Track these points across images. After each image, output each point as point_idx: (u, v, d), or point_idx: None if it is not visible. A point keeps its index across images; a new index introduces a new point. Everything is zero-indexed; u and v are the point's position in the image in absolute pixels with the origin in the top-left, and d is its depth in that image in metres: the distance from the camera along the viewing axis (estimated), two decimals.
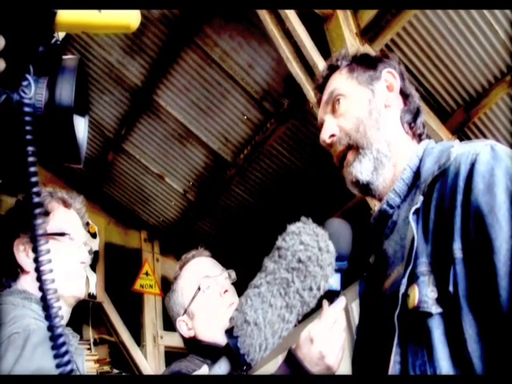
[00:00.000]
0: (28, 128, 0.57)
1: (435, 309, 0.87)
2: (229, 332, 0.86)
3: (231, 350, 0.85)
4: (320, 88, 1.26)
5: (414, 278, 0.91)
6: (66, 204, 1.39)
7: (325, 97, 1.21)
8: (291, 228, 0.92)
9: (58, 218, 1.35)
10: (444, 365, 0.84)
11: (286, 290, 0.86)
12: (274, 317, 0.85)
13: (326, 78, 1.24)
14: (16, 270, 1.29)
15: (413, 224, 0.96)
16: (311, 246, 0.88)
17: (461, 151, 0.98)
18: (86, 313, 4.23)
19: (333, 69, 1.24)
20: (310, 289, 0.87)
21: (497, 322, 0.80)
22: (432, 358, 0.85)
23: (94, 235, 4.40)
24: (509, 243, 0.81)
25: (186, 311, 1.56)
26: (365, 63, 1.21)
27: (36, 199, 0.57)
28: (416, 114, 1.19)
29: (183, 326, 1.57)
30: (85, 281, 1.40)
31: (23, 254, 1.29)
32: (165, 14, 3.24)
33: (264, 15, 2.70)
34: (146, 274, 4.60)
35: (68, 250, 1.32)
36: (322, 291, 0.89)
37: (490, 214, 0.84)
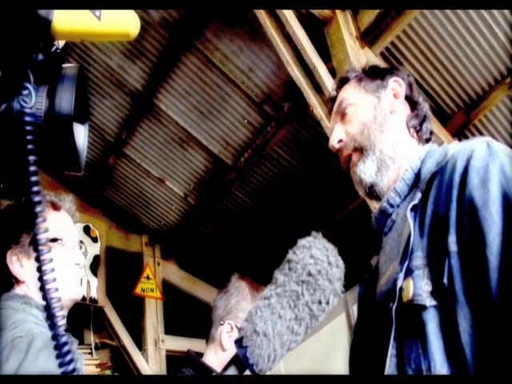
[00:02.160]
0: (29, 137, 0.57)
1: (429, 301, 0.89)
2: (238, 342, 0.86)
3: (240, 360, 0.85)
4: (332, 100, 1.33)
5: (409, 272, 0.93)
6: (56, 207, 1.38)
7: (335, 107, 1.28)
8: (302, 242, 0.93)
9: (48, 224, 1.34)
10: (438, 357, 0.85)
11: (296, 303, 0.87)
12: (283, 328, 0.85)
13: (337, 90, 1.32)
14: (11, 281, 1.29)
15: (410, 220, 0.98)
16: (321, 260, 0.89)
17: (458, 148, 1.01)
18: (87, 317, 4.22)
19: (343, 81, 1.31)
20: (319, 302, 0.88)
21: (489, 315, 0.82)
22: (426, 350, 0.87)
23: (95, 239, 4.40)
24: (501, 237, 0.83)
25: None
26: (373, 74, 1.28)
27: (38, 208, 0.57)
28: (422, 120, 1.23)
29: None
30: (81, 282, 1.39)
31: (17, 265, 1.29)
32: (165, 17, 3.25)
33: (264, 19, 2.70)
34: (147, 278, 4.60)
35: (62, 254, 1.31)
36: (331, 305, 0.90)
37: (484, 209, 0.87)
